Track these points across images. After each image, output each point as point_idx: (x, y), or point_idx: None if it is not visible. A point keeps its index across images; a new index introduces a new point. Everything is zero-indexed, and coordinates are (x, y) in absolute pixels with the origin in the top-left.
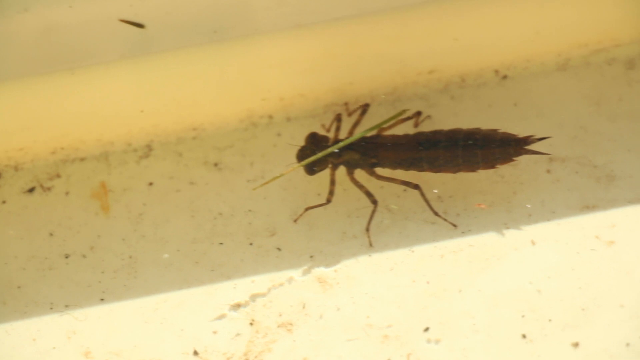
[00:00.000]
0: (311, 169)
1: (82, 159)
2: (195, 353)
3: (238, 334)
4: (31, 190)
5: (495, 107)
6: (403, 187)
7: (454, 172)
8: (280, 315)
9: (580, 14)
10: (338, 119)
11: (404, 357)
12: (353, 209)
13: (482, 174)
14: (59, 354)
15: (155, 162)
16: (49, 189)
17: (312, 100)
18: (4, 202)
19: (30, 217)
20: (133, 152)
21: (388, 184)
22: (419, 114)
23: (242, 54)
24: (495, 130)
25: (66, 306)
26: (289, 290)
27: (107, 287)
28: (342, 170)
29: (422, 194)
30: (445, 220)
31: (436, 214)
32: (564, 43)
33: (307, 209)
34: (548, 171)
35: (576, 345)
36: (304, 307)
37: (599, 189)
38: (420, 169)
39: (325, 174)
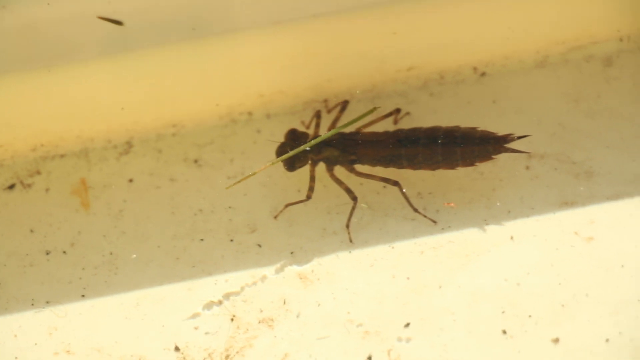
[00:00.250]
0: (291, 166)
1: (62, 156)
2: (177, 349)
3: (219, 330)
4: (11, 187)
5: (474, 104)
6: (382, 183)
7: (433, 169)
8: (261, 311)
9: (558, 12)
10: (317, 115)
11: (384, 353)
12: (333, 206)
13: (462, 171)
14: (40, 350)
15: (135, 159)
16: (29, 185)
17: (292, 97)
18: None
19: (11, 214)
20: (113, 149)
21: (368, 181)
22: (398, 111)
23: (221, 50)
24: (474, 129)
25: (47, 302)
26: (270, 286)
27: (87, 284)
28: (322, 167)
29: (402, 191)
30: (425, 216)
31: (416, 210)
32: (542, 40)
33: (287, 206)
34: (527, 168)
35: (556, 341)
36: (284, 303)
37: (577, 186)
38: (400, 166)
39: (305, 170)
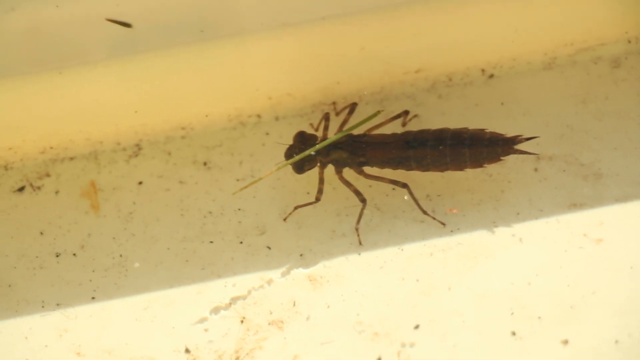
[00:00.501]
0: (300, 168)
1: (71, 158)
2: (187, 351)
3: (229, 332)
4: (21, 189)
5: (482, 106)
6: (391, 185)
7: (442, 171)
8: (270, 313)
9: (566, 13)
10: (326, 118)
11: (394, 355)
12: (342, 208)
13: (470, 173)
14: (50, 352)
15: (144, 161)
16: (38, 188)
17: (300, 99)
18: None
19: (20, 216)
20: (122, 151)
21: (377, 183)
22: (406, 113)
23: (229, 53)
24: (483, 130)
25: (57, 305)
26: (279, 288)
27: (98, 286)
28: (330, 169)
29: (411, 193)
30: (434, 218)
31: (425, 212)
32: (550, 42)
33: (296, 208)
34: (535, 170)
35: (565, 342)
36: (294, 304)
37: (586, 187)
38: (408, 168)
39: (314, 172)
